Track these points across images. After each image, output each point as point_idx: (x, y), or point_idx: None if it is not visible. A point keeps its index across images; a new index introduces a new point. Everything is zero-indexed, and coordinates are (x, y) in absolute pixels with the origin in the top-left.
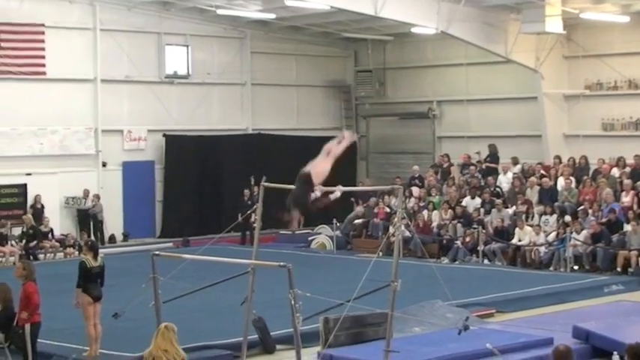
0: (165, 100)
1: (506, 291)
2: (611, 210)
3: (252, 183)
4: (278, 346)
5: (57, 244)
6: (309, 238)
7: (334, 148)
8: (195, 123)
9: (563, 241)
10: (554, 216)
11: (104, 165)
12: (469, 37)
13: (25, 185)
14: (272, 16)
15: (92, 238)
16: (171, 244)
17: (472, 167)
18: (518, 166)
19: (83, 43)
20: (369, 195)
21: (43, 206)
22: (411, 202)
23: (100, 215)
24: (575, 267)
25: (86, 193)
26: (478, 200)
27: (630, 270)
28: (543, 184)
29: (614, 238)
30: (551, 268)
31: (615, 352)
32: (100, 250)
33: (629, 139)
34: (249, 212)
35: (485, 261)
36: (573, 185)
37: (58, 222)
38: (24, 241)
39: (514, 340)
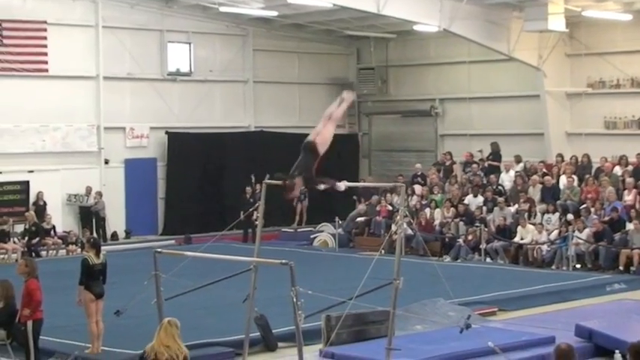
0: (168, 97)
1: (509, 289)
2: (613, 208)
3: (253, 181)
4: (280, 344)
5: (59, 241)
6: (312, 236)
7: (335, 112)
8: (197, 120)
9: (565, 239)
10: (557, 214)
11: (106, 162)
12: (472, 35)
13: (27, 182)
14: (274, 13)
15: (94, 235)
16: (173, 242)
17: (474, 165)
18: (521, 165)
19: (85, 41)
20: (372, 193)
21: (45, 203)
22: (414, 200)
23: (102, 212)
24: (578, 265)
25: (88, 190)
26: (480, 198)
27: (632, 269)
28: (546, 182)
29: (617, 236)
30: (553, 267)
31: (617, 351)
32: (102, 248)
33: (632, 137)
34: (251, 210)
35: (488, 259)
36: (575, 183)
37: (61, 219)
38: (26, 238)
39: (516, 339)
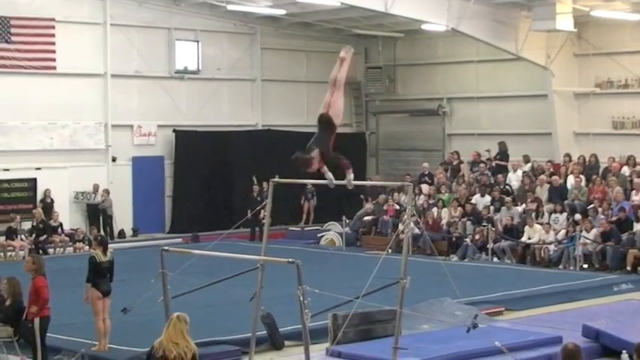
0: (175, 95)
1: (516, 289)
2: (621, 208)
3: (255, 183)
4: (286, 342)
5: (66, 238)
6: (319, 235)
7: (339, 75)
8: (205, 119)
9: (572, 239)
10: (564, 214)
11: (114, 160)
12: (479, 35)
13: (34, 180)
14: (282, 12)
15: (102, 233)
16: (180, 240)
17: (482, 165)
18: (529, 164)
19: (93, 38)
20: (379, 192)
21: (52, 201)
22: (421, 200)
23: (109, 210)
24: (585, 265)
25: (96, 187)
26: (488, 198)
27: None
28: (553, 182)
29: (624, 236)
30: (560, 267)
31: (624, 351)
32: (110, 245)
33: None
34: (258, 208)
35: (495, 259)
36: (583, 183)
37: (68, 216)
38: (34, 235)
39: (523, 339)
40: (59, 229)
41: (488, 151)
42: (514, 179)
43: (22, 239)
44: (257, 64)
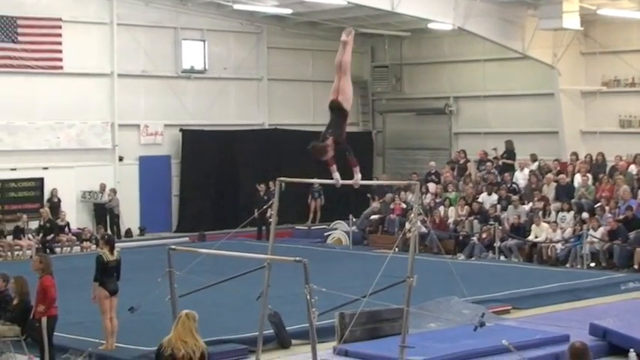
0: (182, 94)
1: (523, 288)
2: (628, 207)
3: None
4: (293, 341)
5: (74, 237)
6: (325, 234)
7: (343, 58)
8: (211, 118)
9: (579, 237)
10: (571, 213)
11: (121, 159)
12: (486, 33)
13: (42, 179)
14: (289, 11)
15: (109, 232)
16: (187, 239)
17: (489, 163)
18: (536, 163)
19: (100, 38)
20: (386, 191)
21: (59, 200)
22: (428, 198)
23: (116, 209)
24: (592, 264)
25: (103, 187)
26: (495, 196)
27: None
28: (560, 180)
29: (631, 235)
30: (567, 265)
31: (632, 350)
32: (117, 244)
33: None
34: (265, 207)
35: (502, 257)
36: (590, 182)
37: (75, 216)
38: (41, 234)
39: (530, 337)
40: (66, 229)
41: (495, 149)
42: (521, 178)
43: (29, 238)
44: (263, 64)
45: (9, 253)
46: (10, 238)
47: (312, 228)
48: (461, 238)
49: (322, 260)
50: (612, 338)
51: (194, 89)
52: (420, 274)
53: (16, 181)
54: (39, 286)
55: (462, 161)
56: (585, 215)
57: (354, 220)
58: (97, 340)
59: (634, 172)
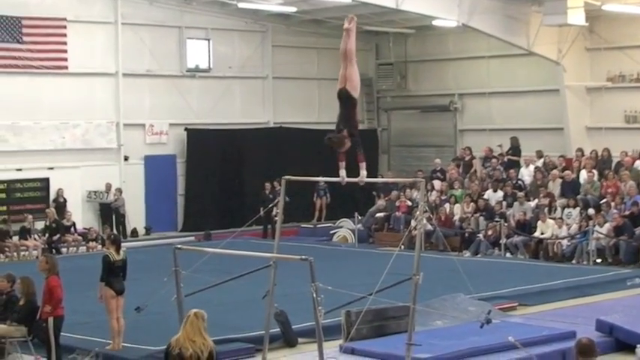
0: (187, 93)
1: (529, 284)
2: (633, 203)
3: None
4: (300, 340)
5: (79, 237)
6: (331, 232)
7: (347, 46)
8: (216, 117)
9: (585, 234)
10: (577, 209)
11: (126, 159)
12: (491, 30)
13: (47, 179)
14: (293, 9)
15: (114, 232)
16: (192, 238)
17: (494, 160)
18: (542, 160)
19: (105, 37)
20: (391, 188)
21: (65, 200)
22: (433, 196)
23: (122, 209)
24: (598, 260)
25: (108, 187)
26: (500, 193)
27: None
28: (565, 176)
29: (637, 231)
30: (573, 261)
31: (639, 345)
32: (123, 244)
33: None
34: (270, 206)
35: (508, 254)
36: (596, 178)
37: (81, 216)
38: (47, 234)
39: (537, 334)
40: (72, 229)
41: (500, 146)
42: (526, 174)
43: (35, 239)
44: (268, 62)
45: (15, 254)
46: (16, 238)
47: (318, 226)
48: (467, 235)
49: (328, 258)
50: (619, 334)
51: (199, 88)
52: (426, 271)
53: (21, 181)
54: (45, 287)
55: (467, 158)
56: (591, 211)
57: (359, 218)
58: (103, 340)
59: (639, 168)
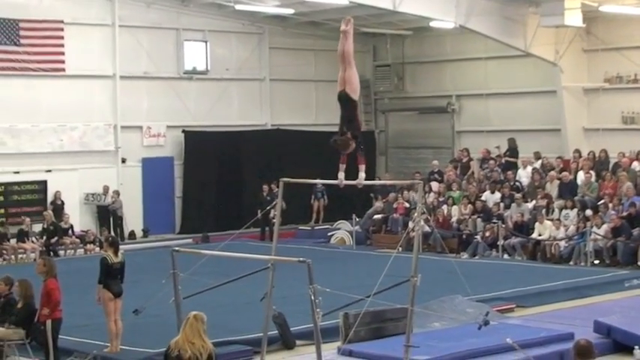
0: (184, 95)
1: (527, 286)
2: (631, 204)
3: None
4: (298, 342)
5: (77, 240)
6: (329, 234)
7: (345, 48)
8: (214, 119)
9: (583, 235)
10: (575, 210)
11: (124, 161)
12: (488, 31)
13: (45, 182)
14: (290, 11)
15: (112, 234)
16: (190, 240)
17: (491, 162)
18: (539, 161)
19: (102, 40)
20: (389, 190)
21: (63, 203)
22: (431, 197)
23: (119, 211)
24: (596, 261)
25: (106, 189)
26: (498, 195)
27: None
28: (563, 178)
29: (635, 232)
30: (571, 263)
31: (637, 347)
32: (120, 246)
33: None
34: (268, 208)
35: (505, 256)
36: (593, 179)
37: (78, 218)
38: (44, 237)
39: (534, 335)
40: (70, 231)
41: (497, 147)
42: (524, 176)
43: (33, 241)
44: (265, 64)
45: (13, 257)
46: (13, 241)
47: (316, 228)
48: (464, 236)
49: (326, 260)
50: (617, 335)
51: (196, 90)
52: (424, 273)
53: (19, 184)
54: (43, 289)
55: (464, 160)
56: (589, 212)
57: (357, 219)
58: (101, 343)
59: (637, 169)
